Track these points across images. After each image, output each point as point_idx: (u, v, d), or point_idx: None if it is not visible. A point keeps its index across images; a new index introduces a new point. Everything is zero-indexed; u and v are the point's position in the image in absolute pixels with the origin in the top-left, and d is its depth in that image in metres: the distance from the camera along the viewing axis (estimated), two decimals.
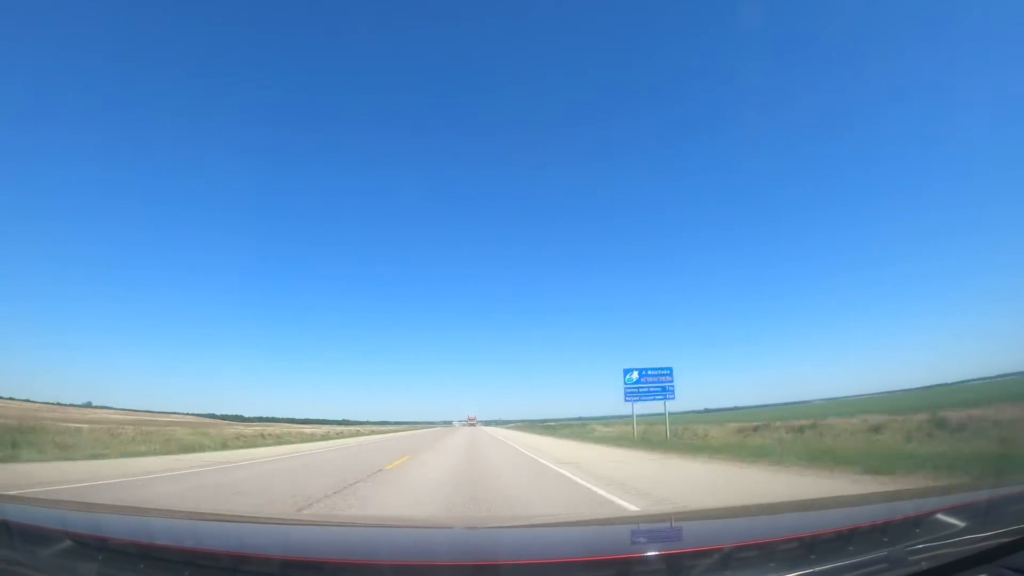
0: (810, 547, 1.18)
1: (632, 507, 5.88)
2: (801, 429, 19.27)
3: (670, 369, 23.57)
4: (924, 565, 1.18)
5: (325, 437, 38.44)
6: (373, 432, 61.26)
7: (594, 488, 7.50)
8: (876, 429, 16.49)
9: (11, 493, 5.65)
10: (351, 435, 46.50)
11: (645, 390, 23.27)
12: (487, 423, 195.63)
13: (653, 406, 23.69)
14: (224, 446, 22.17)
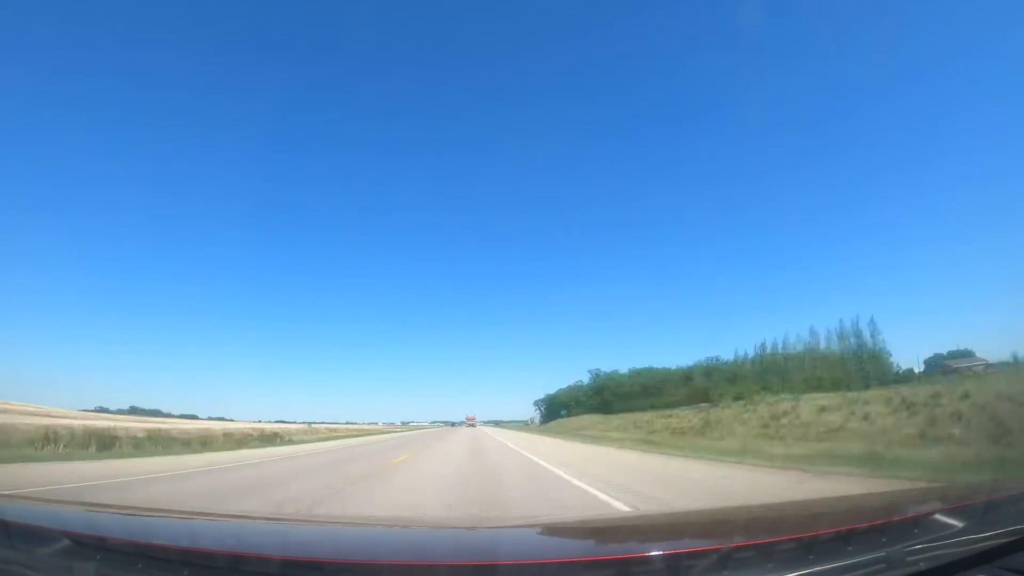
0: (808, 547, 1.19)
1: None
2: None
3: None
4: (922, 565, 1.18)
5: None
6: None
7: None
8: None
9: (9, 493, 5.65)
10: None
11: None
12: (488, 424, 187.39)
13: None
14: None
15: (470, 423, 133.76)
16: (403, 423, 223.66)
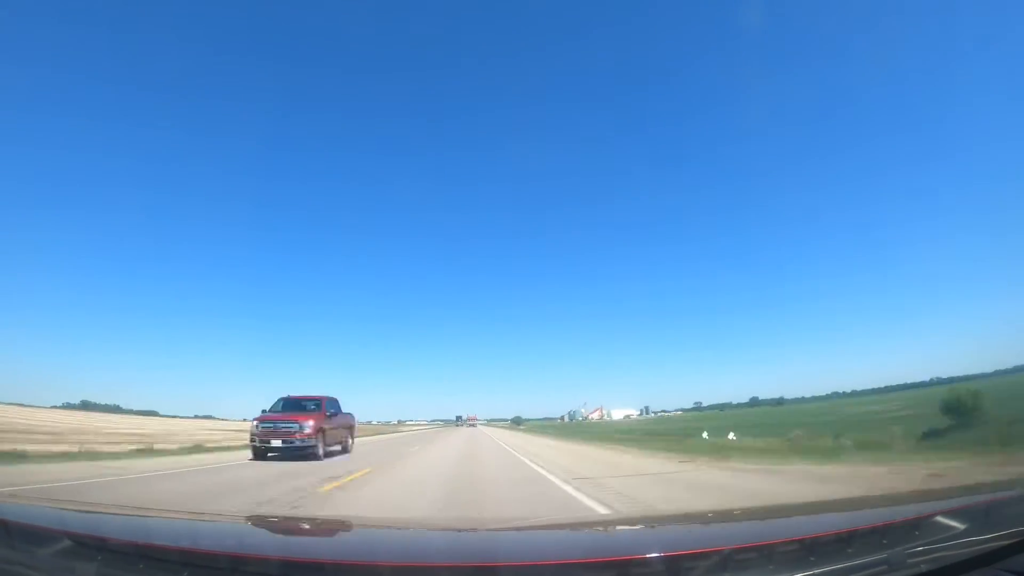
0: (810, 549, 1.18)
1: None
2: None
3: None
4: (924, 567, 1.18)
5: None
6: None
7: None
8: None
9: (10, 492, 5.66)
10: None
11: None
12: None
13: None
14: None
15: (470, 423, 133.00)
16: (399, 421, 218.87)
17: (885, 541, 1.23)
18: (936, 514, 1.38)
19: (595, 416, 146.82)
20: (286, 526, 2.57)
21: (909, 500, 2.11)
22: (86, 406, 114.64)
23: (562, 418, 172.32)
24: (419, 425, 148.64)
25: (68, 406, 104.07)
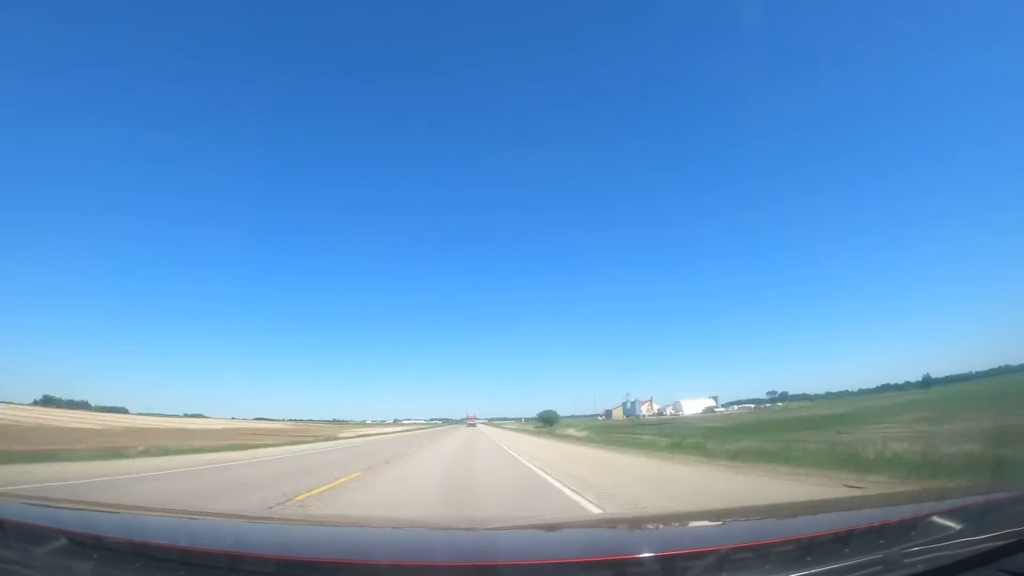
0: (807, 549, 1.19)
1: None
2: None
3: None
4: (920, 567, 1.18)
5: None
6: None
7: None
8: None
9: (6, 491, 5.64)
10: None
11: None
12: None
13: None
14: None
15: (470, 423, 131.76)
16: (395, 420, 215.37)
17: (882, 541, 1.23)
18: (933, 514, 1.38)
19: (643, 410, 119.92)
20: (284, 525, 2.56)
21: (906, 500, 2.12)
22: (48, 402, 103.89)
23: (609, 413, 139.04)
24: (414, 425, 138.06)
25: (38, 402, 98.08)
